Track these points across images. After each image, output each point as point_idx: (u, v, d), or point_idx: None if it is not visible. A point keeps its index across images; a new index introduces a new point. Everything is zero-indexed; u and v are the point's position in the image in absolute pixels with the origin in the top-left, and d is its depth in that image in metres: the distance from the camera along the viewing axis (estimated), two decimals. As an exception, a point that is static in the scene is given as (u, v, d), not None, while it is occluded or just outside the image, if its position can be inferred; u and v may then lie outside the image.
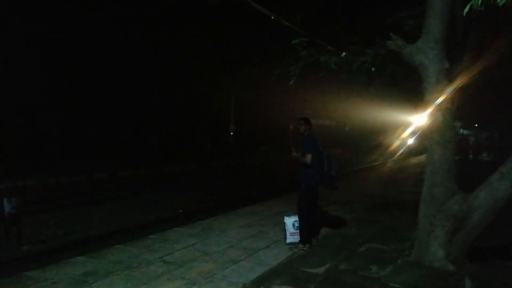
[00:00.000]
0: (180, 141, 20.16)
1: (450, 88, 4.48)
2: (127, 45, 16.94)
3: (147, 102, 18.19)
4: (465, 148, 22.52)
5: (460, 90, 4.74)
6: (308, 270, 4.62)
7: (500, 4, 3.10)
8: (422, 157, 18.57)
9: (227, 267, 4.96)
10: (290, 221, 5.87)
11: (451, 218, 4.41)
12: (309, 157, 5.42)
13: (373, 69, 5.89)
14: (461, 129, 25.45)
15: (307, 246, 5.59)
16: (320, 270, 4.61)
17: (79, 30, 15.09)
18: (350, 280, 4.32)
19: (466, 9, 3.28)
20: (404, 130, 19.89)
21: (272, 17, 5.72)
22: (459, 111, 4.93)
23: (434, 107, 4.51)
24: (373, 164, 21.67)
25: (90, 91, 16.29)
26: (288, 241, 5.87)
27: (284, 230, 5.94)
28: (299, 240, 5.69)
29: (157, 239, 6.31)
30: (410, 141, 24.84)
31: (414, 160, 23.30)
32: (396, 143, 23.97)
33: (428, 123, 4.63)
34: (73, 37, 15.33)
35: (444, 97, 4.47)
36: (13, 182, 12.41)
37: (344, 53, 5.76)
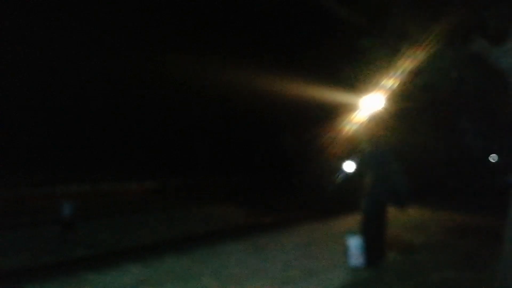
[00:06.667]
0: (232, 150, 19.88)
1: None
2: (182, 44, 16.66)
3: (201, 109, 18.04)
4: None
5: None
6: (375, 298, 4.07)
7: None
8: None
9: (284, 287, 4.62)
10: (354, 242, 5.35)
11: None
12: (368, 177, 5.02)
13: (453, 73, 5.32)
14: None
15: (372, 270, 5.10)
16: (389, 299, 4.05)
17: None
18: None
19: None
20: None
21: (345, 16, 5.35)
22: None
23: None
24: None
25: (143, 97, 16.47)
26: (351, 263, 5.33)
27: (347, 252, 5.41)
28: (364, 263, 5.19)
29: (209, 251, 6.18)
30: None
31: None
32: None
33: None
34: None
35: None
36: (69, 187, 12.97)
37: (421, 56, 5.24)
